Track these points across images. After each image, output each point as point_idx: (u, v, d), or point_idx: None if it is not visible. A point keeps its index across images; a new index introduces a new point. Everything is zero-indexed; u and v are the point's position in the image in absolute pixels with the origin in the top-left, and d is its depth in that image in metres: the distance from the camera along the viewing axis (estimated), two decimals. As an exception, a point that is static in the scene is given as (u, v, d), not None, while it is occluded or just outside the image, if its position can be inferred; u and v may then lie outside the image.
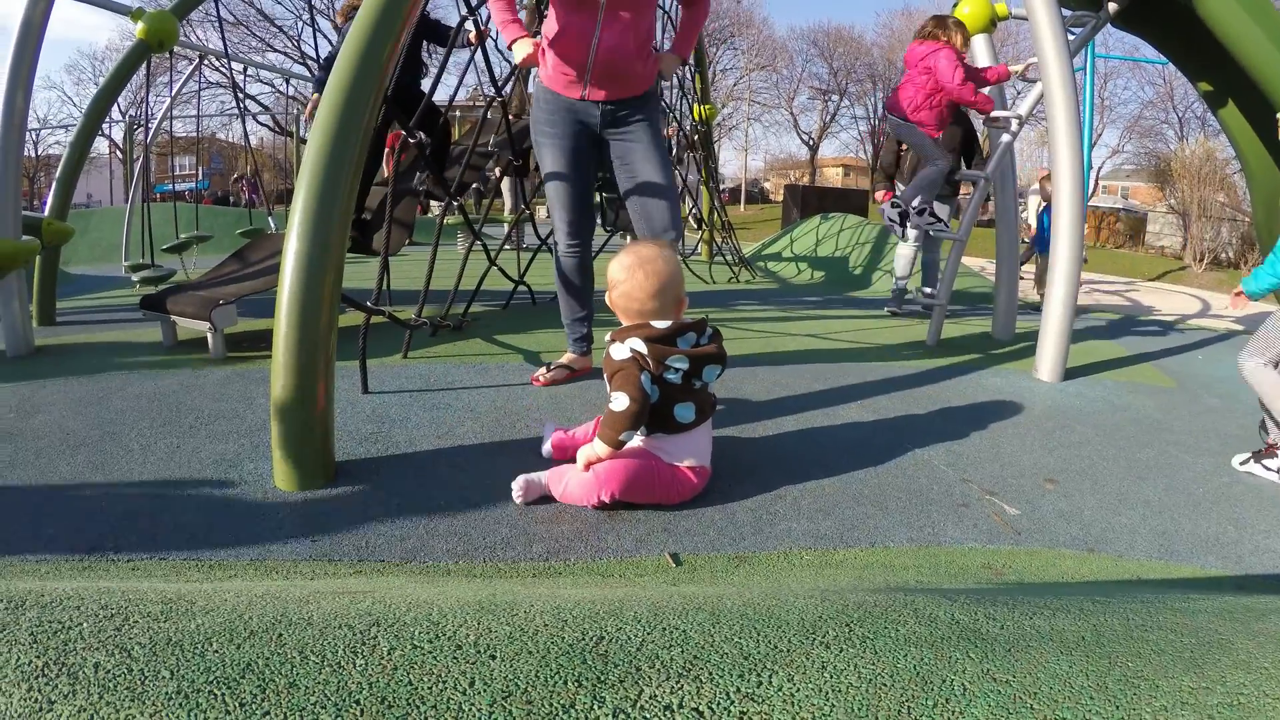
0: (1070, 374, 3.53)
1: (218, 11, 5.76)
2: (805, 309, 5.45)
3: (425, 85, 4.21)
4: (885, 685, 0.70)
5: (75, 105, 30.09)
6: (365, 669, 0.68)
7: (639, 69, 2.58)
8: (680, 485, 1.93)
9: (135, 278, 5.13)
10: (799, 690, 0.68)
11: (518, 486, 1.91)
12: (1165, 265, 13.97)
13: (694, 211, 7.94)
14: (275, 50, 26.12)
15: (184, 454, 2.14)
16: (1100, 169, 25.57)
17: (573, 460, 1.96)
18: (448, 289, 3.95)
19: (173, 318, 3.37)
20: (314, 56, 6.93)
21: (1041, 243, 7.04)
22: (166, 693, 0.66)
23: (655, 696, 0.65)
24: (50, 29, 3.43)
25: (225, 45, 6.37)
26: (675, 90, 7.07)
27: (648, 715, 0.64)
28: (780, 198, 19.25)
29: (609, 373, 1.88)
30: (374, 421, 2.42)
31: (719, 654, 0.73)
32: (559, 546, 1.71)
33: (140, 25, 4.65)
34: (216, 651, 0.73)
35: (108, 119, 6.40)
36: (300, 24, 26.16)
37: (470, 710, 0.62)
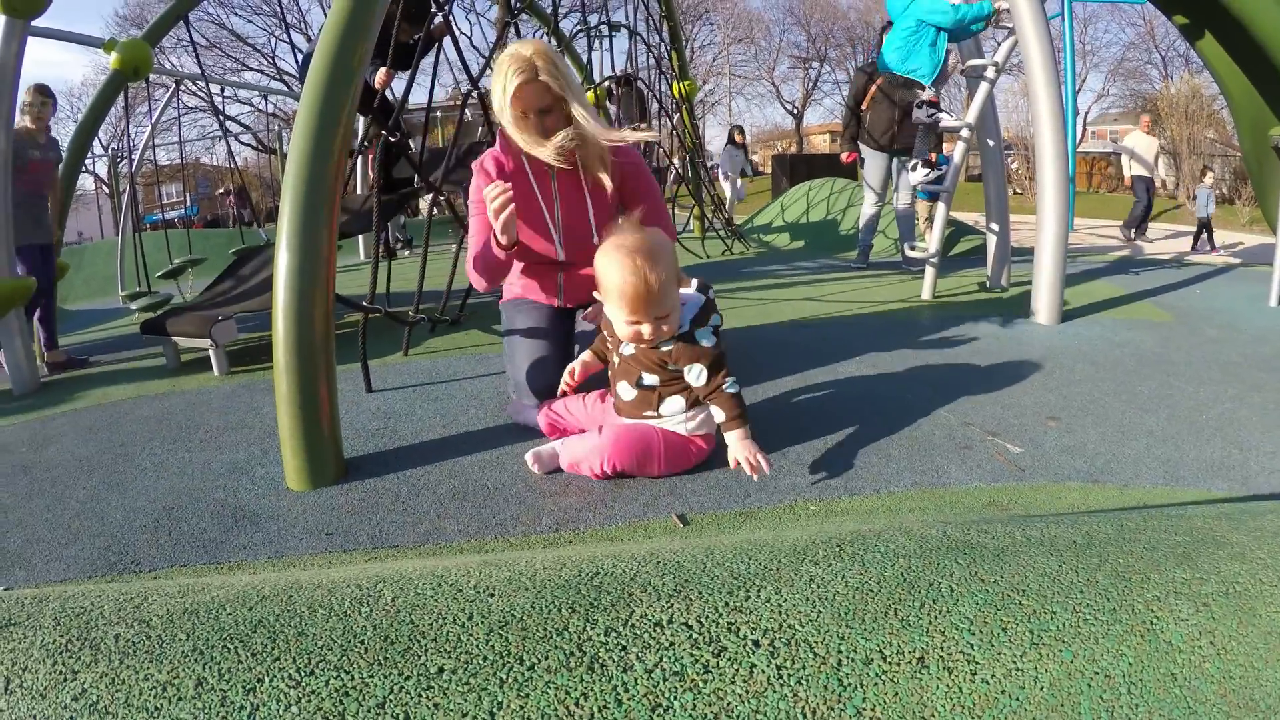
0: (1067, 315, 3.54)
1: (190, 35, 5.77)
2: (800, 274, 5.45)
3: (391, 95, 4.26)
4: (872, 591, 0.72)
5: (58, 145, 30.08)
6: (370, 615, 0.71)
7: None
8: (690, 453, 1.94)
9: (134, 306, 5.16)
10: (786, 600, 0.70)
11: (531, 459, 1.94)
12: (1159, 205, 13.85)
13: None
14: (250, 69, 26.03)
15: (196, 466, 2.17)
16: (1087, 114, 25.36)
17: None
18: (441, 288, 3.96)
19: (174, 339, 3.40)
20: (291, 71, 6.97)
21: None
22: (183, 651, 0.69)
23: (646, 615, 0.68)
24: (23, 71, 3.44)
25: (201, 68, 6.38)
26: (653, 70, 6.95)
27: (638, 632, 0.66)
28: (769, 169, 19.08)
29: (704, 362, 1.77)
30: (380, 417, 2.44)
31: (710, 577, 0.75)
32: (568, 517, 1.74)
33: (115, 55, 4.67)
34: (230, 614, 0.76)
35: (90, 154, 6.42)
36: (274, 40, 26.05)
37: (468, 640, 0.65)
